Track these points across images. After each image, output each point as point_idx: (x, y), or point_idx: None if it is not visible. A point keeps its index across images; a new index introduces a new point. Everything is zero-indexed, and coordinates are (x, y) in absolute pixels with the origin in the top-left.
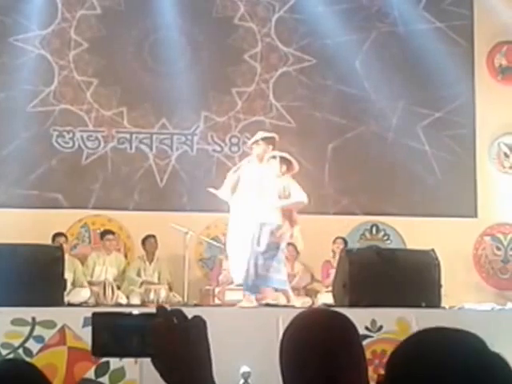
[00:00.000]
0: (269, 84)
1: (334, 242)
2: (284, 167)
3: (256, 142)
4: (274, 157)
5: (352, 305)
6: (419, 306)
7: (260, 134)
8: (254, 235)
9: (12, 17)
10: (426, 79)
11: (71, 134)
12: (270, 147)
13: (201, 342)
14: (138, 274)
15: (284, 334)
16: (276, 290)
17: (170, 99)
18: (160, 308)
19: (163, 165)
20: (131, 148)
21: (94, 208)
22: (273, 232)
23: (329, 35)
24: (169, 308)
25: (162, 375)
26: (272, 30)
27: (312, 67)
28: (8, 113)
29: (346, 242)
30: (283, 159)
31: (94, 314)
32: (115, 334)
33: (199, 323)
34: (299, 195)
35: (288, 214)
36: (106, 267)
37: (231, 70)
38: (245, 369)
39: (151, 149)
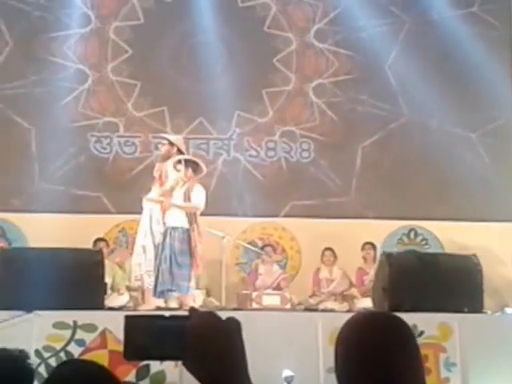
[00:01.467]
0: (306, 90)
1: (363, 248)
2: (190, 170)
3: (160, 142)
4: (179, 161)
5: (392, 309)
6: (461, 312)
7: (166, 135)
8: (160, 239)
9: (54, 14)
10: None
11: (109, 140)
12: (175, 148)
13: (236, 343)
14: None
15: (338, 337)
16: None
17: (206, 104)
18: (193, 310)
19: None
20: None
21: (132, 213)
22: (180, 237)
23: (364, 29)
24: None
25: (196, 377)
26: (310, 37)
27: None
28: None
29: (375, 247)
30: (189, 162)
31: (127, 317)
32: (151, 336)
33: (234, 324)
34: (196, 200)
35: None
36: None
37: (268, 75)
38: (287, 373)
39: (188, 153)
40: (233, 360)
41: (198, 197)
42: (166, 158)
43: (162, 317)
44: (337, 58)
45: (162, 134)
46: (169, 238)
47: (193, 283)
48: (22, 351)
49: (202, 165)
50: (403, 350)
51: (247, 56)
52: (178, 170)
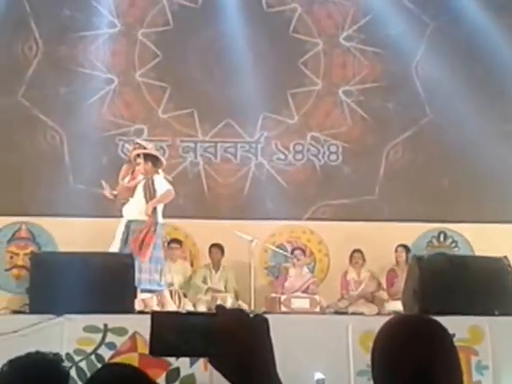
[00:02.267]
0: (334, 91)
1: (396, 250)
2: (149, 164)
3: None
4: (138, 155)
5: (422, 312)
6: (492, 314)
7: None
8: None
9: (84, 12)
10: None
11: (137, 145)
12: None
13: (264, 340)
14: (204, 282)
15: (376, 341)
16: (150, 291)
17: (234, 107)
18: (220, 307)
19: (227, 173)
20: (195, 157)
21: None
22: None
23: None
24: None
25: (224, 375)
26: (337, 39)
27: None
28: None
29: (408, 250)
30: (148, 156)
31: (154, 314)
32: (178, 332)
33: (262, 322)
34: (162, 188)
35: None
36: (171, 275)
37: (295, 77)
38: (319, 376)
39: (215, 157)
40: (261, 356)
41: (162, 185)
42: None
43: (189, 313)
44: (364, 58)
45: (189, 138)
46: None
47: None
48: (56, 354)
49: (162, 158)
50: (443, 355)
51: (274, 59)
52: (138, 164)
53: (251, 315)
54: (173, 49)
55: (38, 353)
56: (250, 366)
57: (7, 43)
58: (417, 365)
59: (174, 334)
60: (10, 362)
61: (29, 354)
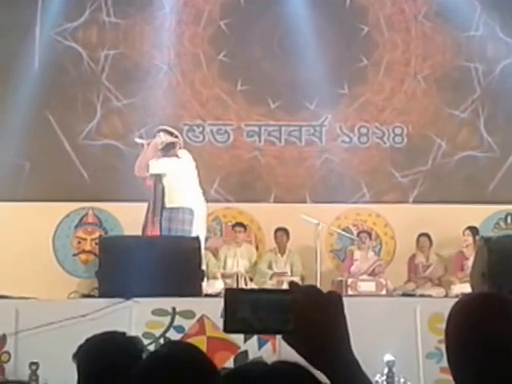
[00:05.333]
0: (398, 72)
1: (463, 232)
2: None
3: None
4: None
5: None
6: None
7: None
8: None
9: None
10: None
11: (201, 128)
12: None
13: (339, 316)
14: (269, 267)
15: (449, 319)
16: None
17: (297, 92)
18: (293, 284)
19: (292, 156)
20: (260, 141)
21: (226, 201)
22: None
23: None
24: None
25: (299, 352)
26: (401, 18)
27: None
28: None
29: (476, 232)
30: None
31: (227, 290)
32: (253, 309)
33: (336, 297)
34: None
35: None
36: (237, 259)
37: (360, 62)
38: (389, 357)
39: (280, 141)
40: (337, 332)
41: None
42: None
43: (263, 290)
44: (431, 32)
45: (254, 122)
46: None
47: None
48: (135, 338)
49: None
50: None
51: (339, 42)
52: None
53: (324, 292)
54: (234, 32)
55: (113, 332)
56: (326, 342)
57: None
58: (491, 340)
59: (249, 310)
60: (86, 340)
61: (104, 333)
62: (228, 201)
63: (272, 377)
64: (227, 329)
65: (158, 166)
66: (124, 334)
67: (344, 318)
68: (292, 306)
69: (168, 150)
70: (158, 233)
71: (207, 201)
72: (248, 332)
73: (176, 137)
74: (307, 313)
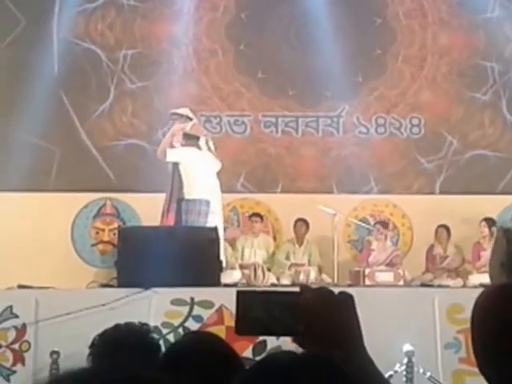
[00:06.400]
0: (416, 64)
1: (480, 224)
2: (183, 142)
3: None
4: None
5: None
6: None
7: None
8: None
9: None
10: None
11: (218, 119)
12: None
13: (351, 317)
14: (287, 257)
15: (474, 309)
16: None
17: (315, 82)
18: (304, 286)
19: (308, 147)
20: (277, 132)
21: (242, 192)
22: None
23: None
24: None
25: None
26: (422, 10)
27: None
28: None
29: (492, 223)
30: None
31: (239, 292)
32: (265, 311)
33: (347, 298)
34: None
35: None
36: (254, 250)
37: (377, 55)
38: (408, 347)
39: (297, 132)
40: (349, 332)
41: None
42: None
43: (274, 292)
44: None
45: (270, 112)
46: None
47: None
48: (144, 325)
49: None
50: None
51: (356, 32)
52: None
53: (336, 292)
54: (251, 25)
55: (127, 324)
56: (339, 342)
57: None
58: None
59: (261, 311)
60: (102, 333)
61: (118, 326)
62: (250, 191)
63: (305, 366)
64: (238, 331)
65: (174, 154)
66: (142, 325)
67: (356, 317)
68: (304, 307)
69: (191, 139)
70: (172, 220)
71: (224, 191)
72: (260, 333)
73: (191, 119)
74: (320, 313)
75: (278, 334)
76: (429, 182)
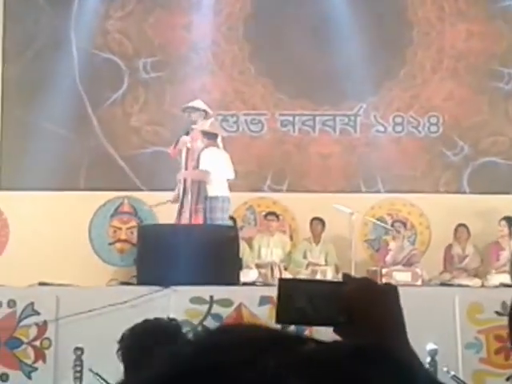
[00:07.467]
0: (436, 63)
1: (499, 223)
2: (205, 140)
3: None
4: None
5: None
6: None
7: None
8: None
9: None
10: None
11: (235, 118)
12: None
13: (396, 308)
14: (304, 256)
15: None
16: None
17: (332, 81)
18: (346, 275)
19: (325, 146)
20: (294, 130)
21: (259, 190)
22: None
23: None
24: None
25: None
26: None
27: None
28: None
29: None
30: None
31: (281, 280)
32: (309, 300)
33: (391, 288)
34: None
35: None
36: (270, 249)
37: (400, 54)
38: (431, 346)
39: (314, 130)
40: (393, 323)
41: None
42: None
43: (317, 281)
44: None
45: (287, 111)
46: None
47: None
48: (173, 320)
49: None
50: None
51: (374, 31)
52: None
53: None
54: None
55: (156, 319)
56: (383, 334)
57: None
58: None
59: (304, 300)
60: (132, 328)
61: (147, 321)
62: (267, 190)
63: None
64: (279, 320)
65: (207, 160)
66: (170, 320)
67: (400, 308)
68: (347, 297)
69: (211, 138)
70: (200, 221)
71: (241, 190)
72: (300, 323)
73: (206, 112)
74: (362, 304)
75: (318, 324)
76: (447, 181)
